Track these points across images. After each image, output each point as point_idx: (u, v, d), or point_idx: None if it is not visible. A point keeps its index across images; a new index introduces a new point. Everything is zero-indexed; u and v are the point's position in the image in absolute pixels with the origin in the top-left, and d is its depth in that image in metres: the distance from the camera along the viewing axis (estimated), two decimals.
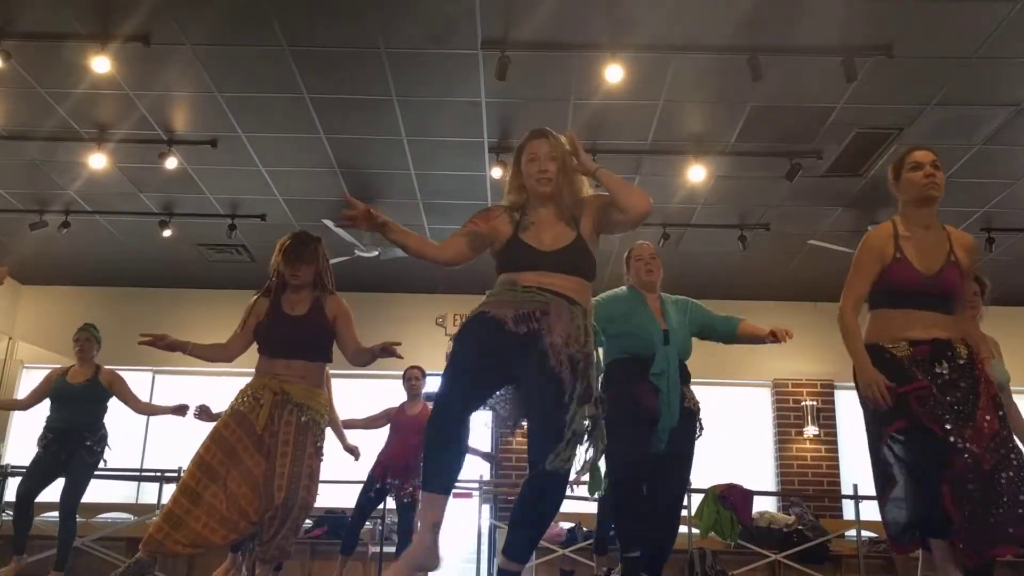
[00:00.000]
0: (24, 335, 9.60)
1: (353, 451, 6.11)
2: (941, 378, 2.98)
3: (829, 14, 5.01)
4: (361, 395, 8.12)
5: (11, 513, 7.78)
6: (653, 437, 3.78)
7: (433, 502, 2.68)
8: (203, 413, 5.16)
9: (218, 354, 3.84)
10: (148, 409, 6.16)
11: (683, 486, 4.04)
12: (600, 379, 3.15)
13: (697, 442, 4.01)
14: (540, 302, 2.73)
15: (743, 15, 5.04)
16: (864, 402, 3.13)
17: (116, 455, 7.74)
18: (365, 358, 3.74)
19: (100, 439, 5.72)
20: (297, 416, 3.60)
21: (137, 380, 9.53)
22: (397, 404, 6.36)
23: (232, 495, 3.47)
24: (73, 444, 5.60)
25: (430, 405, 6.19)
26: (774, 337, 3.92)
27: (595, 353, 2.80)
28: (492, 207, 3.08)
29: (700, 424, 4.01)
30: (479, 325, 2.75)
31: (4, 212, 7.86)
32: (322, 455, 3.71)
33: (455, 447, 2.70)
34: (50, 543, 7.03)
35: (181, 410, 5.44)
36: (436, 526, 2.65)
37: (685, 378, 3.95)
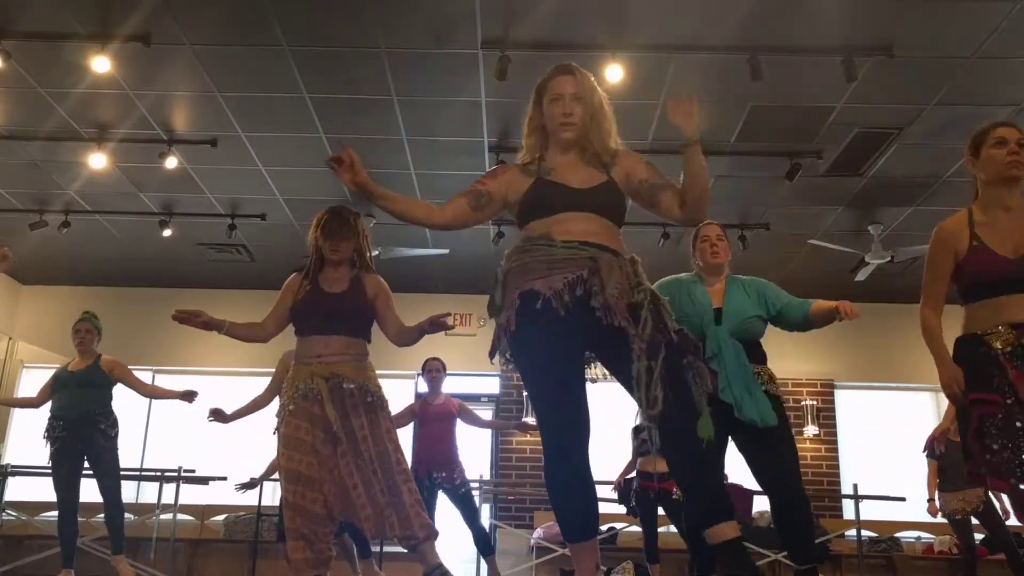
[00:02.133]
0: (24, 335, 9.60)
1: None
2: None
3: (829, 14, 5.01)
4: None
5: (12, 513, 7.82)
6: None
7: (584, 549, 2.42)
8: (217, 416, 5.09)
9: (254, 333, 3.66)
10: (154, 392, 5.89)
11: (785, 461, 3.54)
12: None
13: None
14: (586, 258, 2.40)
15: (743, 15, 5.04)
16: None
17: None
18: (411, 336, 3.55)
19: (112, 423, 5.51)
20: (362, 399, 3.43)
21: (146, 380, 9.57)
22: (417, 399, 6.28)
23: (328, 494, 3.37)
24: (87, 428, 5.38)
25: (452, 398, 6.20)
26: (839, 312, 3.54)
27: (661, 299, 2.45)
28: (500, 166, 2.78)
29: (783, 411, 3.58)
30: (536, 314, 2.38)
31: (4, 212, 7.86)
32: (393, 423, 3.58)
33: (588, 489, 2.40)
34: (51, 542, 7.02)
35: (190, 396, 5.33)
36: (598, 567, 2.44)
37: (757, 358, 3.60)
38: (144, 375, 9.36)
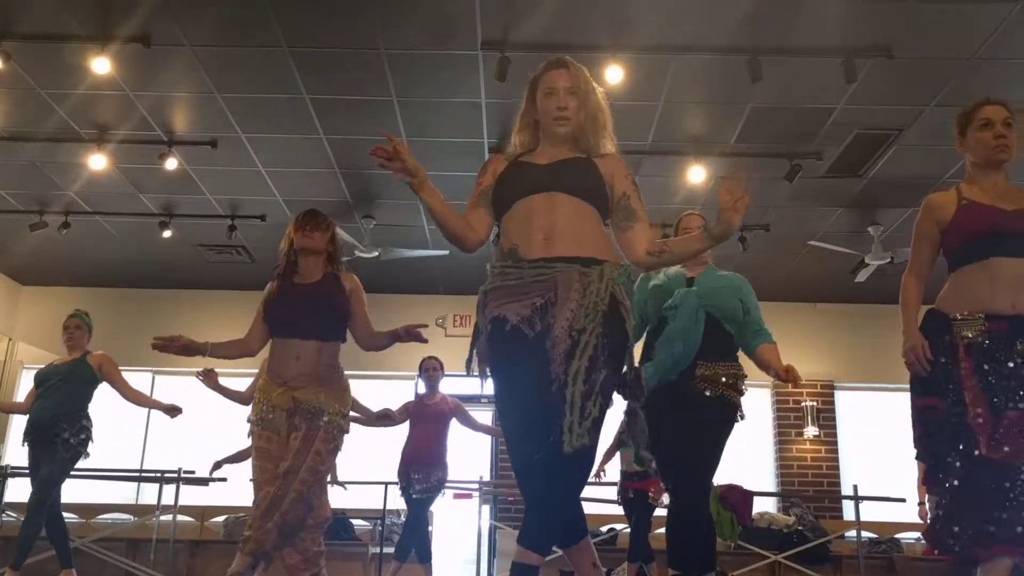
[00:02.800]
0: (24, 336, 9.60)
1: (387, 416, 5.79)
2: (1015, 359, 2.68)
3: (829, 15, 5.01)
4: (372, 397, 8.12)
5: (12, 514, 7.81)
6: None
7: (578, 551, 2.49)
8: (207, 376, 5.03)
9: (239, 350, 3.69)
10: (139, 398, 5.57)
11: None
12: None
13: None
14: (548, 282, 2.35)
15: (743, 16, 5.04)
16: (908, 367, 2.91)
17: (116, 455, 7.74)
18: (381, 341, 3.57)
19: (79, 430, 5.22)
20: (313, 420, 3.51)
21: (137, 381, 9.51)
22: (415, 398, 6.27)
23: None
24: (49, 436, 5.15)
25: (449, 397, 6.18)
26: (786, 374, 3.52)
27: (625, 313, 2.38)
28: (491, 158, 2.75)
29: (733, 413, 3.47)
30: (505, 338, 2.38)
31: (4, 213, 7.86)
32: (333, 455, 3.59)
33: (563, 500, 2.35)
34: (45, 543, 7.01)
35: (173, 411, 5.15)
36: (595, 566, 2.49)
37: (721, 352, 3.46)
38: (144, 376, 9.44)
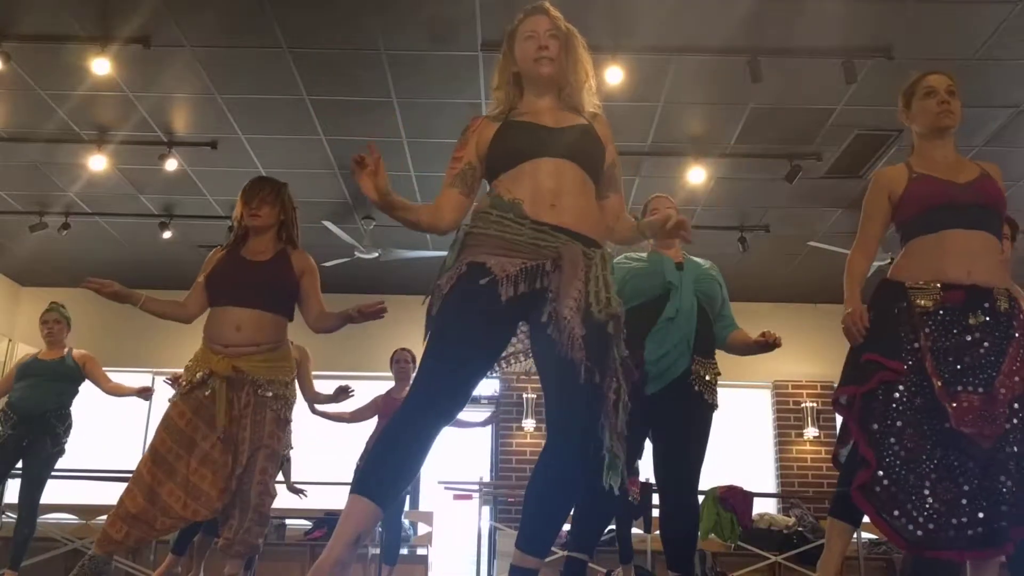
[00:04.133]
0: (24, 336, 9.60)
1: (344, 391, 5.33)
2: (972, 332, 2.63)
3: (829, 16, 5.01)
4: (367, 397, 8.11)
5: (11, 515, 7.80)
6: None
7: (356, 510, 2.12)
8: (175, 382, 5.03)
9: (175, 312, 3.54)
10: (116, 389, 5.49)
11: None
12: None
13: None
14: (552, 247, 2.19)
15: (743, 16, 5.04)
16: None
17: (116, 455, 7.74)
18: (332, 324, 3.41)
19: (67, 428, 5.28)
20: (257, 393, 3.31)
21: (137, 381, 9.52)
22: (383, 394, 6.07)
23: (192, 485, 3.21)
24: (37, 429, 5.14)
25: None
26: (763, 339, 3.45)
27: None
28: (471, 122, 2.49)
29: (706, 404, 3.43)
30: (476, 290, 2.17)
31: (4, 214, 7.86)
32: (286, 429, 3.41)
33: (410, 457, 2.17)
34: (51, 544, 7.00)
35: (145, 392, 5.24)
36: (351, 543, 2.13)
37: (703, 349, 3.41)
38: (144, 377, 9.41)
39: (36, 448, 5.15)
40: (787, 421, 9.53)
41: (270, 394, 3.33)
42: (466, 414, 6.21)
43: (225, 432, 3.28)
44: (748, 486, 6.36)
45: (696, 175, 6.77)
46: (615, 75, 5.38)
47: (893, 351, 2.69)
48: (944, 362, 2.64)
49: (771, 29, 5.15)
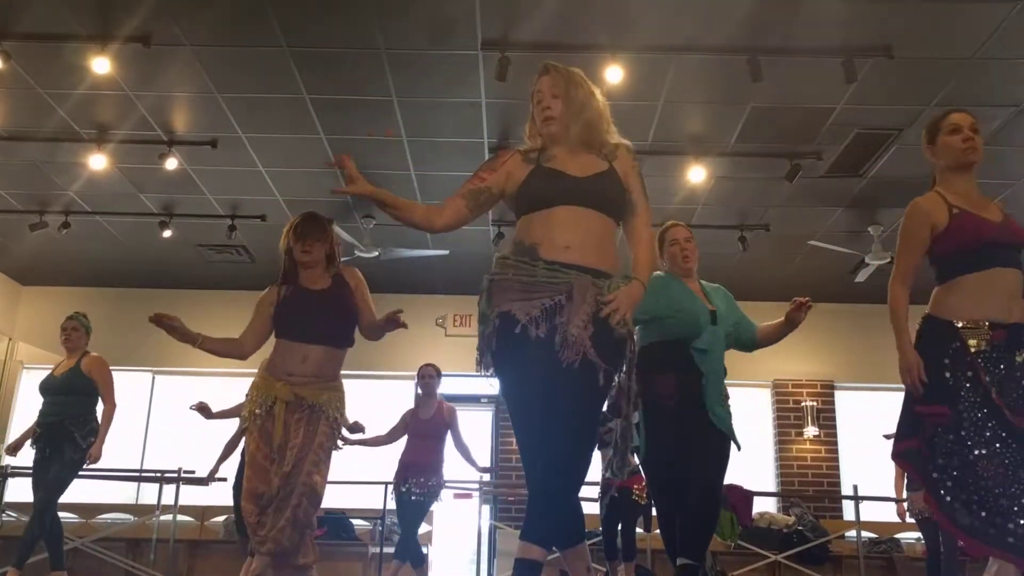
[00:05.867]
0: (24, 336, 9.60)
1: (355, 427, 5.63)
2: (1020, 369, 2.75)
3: (829, 15, 5.02)
4: (370, 397, 8.10)
5: (12, 514, 7.82)
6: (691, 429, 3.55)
7: (574, 554, 2.55)
8: (202, 411, 5.09)
9: (232, 350, 3.66)
10: (105, 420, 5.46)
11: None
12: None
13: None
14: (564, 283, 2.41)
15: (743, 15, 5.04)
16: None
17: (116, 455, 7.73)
18: (377, 332, 3.60)
19: (88, 432, 5.35)
20: (313, 415, 3.50)
21: (137, 381, 9.57)
22: (410, 407, 6.33)
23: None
24: (59, 438, 5.28)
25: (445, 404, 6.26)
26: (796, 312, 3.59)
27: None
28: (504, 151, 2.76)
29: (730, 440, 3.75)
30: (515, 339, 2.40)
31: (4, 213, 7.86)
32: (336, 440, 3.59)
33: (570, 508, 2.45)
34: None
35: (93, 457, 5.29)
36: (589, 570, 2.56)
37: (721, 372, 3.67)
38: (144, 376, 9.47)
39: (57, 454, 5.28)
40: (787, 420, 9.52)
41: (326, 417, 3.53)
42: (477, 415, 6.29)
43: (282, 448, 3.48)
44: (748, 485, 6.36)
45: (696, 174, 6.77)
46: (615, 74, 5.37)
47: (943, 397, 2.80)
48: (1007, 395, 2.74)
49: (771, 29, 5.15)
